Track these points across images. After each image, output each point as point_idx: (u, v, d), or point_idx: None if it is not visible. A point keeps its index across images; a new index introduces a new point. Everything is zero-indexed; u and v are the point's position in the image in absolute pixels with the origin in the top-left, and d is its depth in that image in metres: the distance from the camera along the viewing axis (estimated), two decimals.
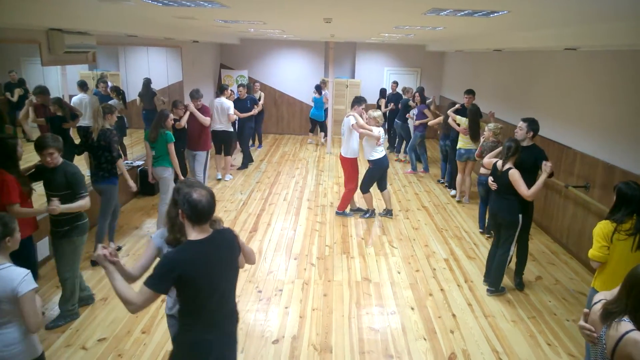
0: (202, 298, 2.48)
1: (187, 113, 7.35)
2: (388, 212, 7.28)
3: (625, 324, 2.12)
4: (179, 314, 2.62)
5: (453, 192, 8.36)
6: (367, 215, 7.25)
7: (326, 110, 11.90)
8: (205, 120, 7.52)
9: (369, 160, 6.99)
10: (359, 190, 7.21)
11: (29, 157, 5.29)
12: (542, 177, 4.61)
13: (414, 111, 9.91)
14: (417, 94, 10.02)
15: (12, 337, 2.59)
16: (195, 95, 7.50)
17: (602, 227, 3.36)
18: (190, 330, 2.54)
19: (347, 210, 7.33)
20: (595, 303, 2.36)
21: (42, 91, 5.62)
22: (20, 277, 2.54)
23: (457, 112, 7.98)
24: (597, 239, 3.37)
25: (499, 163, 4.86)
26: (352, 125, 6.75)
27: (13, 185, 3.73)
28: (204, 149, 7.62)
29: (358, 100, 6.97)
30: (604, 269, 3.38)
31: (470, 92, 8.04)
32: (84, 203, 4.06)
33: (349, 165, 7.05)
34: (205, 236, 2.47)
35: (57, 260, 4.26)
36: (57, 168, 4.03)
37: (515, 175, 4.64)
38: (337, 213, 7.31)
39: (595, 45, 4.48)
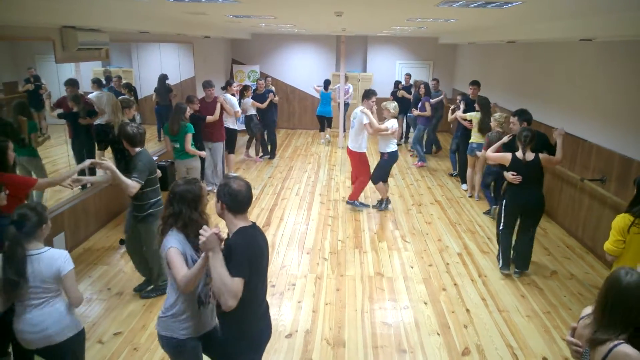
0: (259, 285, 2.54)
1: (219, 105, 7.58)
2: (382, 204, 7.28)
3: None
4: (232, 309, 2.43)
5: (464, 186, 8.31)
6: (383, 206, 7.24)
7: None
8: (230, 110, 7.89)
9: (382, 153, 6.93)
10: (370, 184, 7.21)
11: (45, 153, 5.37)
12: (559, 141, 4.91)
13: (419, 104, 9.90)
14: (422, 86, 9.96)
15: (60, 312, 2.78)
16: (207, 85, 7.69)
17: (619, 221, 3.31)
18: (248, 322, 2.55)
19: (358, 201, 7.31)
20: (583, 317, 2.27)
21: (72, 83, 5.82)
22: (62, 258, 2.76)
23: (465, 103, 7.95)
24: (612, 232, 3.32)
25: (519, 154, 4.87)
26: (365, 125, 6.71)
27: (17, 176, 3.93)
28: (219, 139, 7.83)
29: (367, 94, 6.86)
30: (620, 262, 3.32)
31: (475, 84, 8.01)
32: (130, 182, 4.12)
33: (358, 159, 7.02)
34: (251, 223, 2.54)
35: (144, 243, 4.55)
36: (134, 156, 4.29)
37: (546, 156, 4.87)
38: (347, 202, 7.30)
39: (611, 35, 4.40)
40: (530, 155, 4.83)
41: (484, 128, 7.28)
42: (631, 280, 2.01)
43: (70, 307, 2.85)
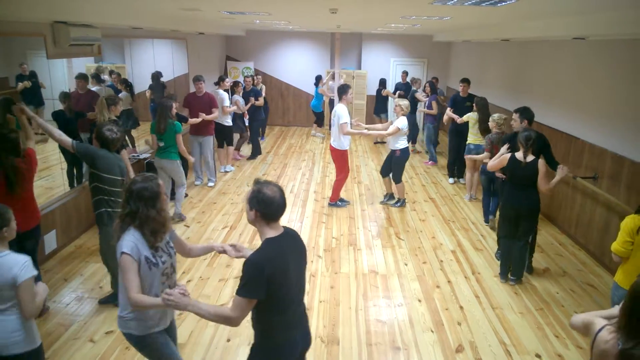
0: (290, 296, 2.42)
1: (200, 120, 7.49)
2: (391, 198, 7.40)
3: None
4: (259, 318, 2.41)
5: (452, 180, 8.43)
6: (398, 204, 7.30)
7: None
8: (215, 116, 7.78)
9: (393, 150, 6.95)
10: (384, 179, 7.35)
11: (40, 150, 5.32)
12: (557, 178, 4.71)
13: (427, 102, 9.88)
14: (427, 85, 9.98)
15: (14, 324, 2.61)
16: (197, 79, 7.66)
17: (628, 222, 3.23)
18: (278, 332, 2.44)
19: (339, 202, 7.33)
20: (600, 330, 2.07)
21: (84, 77, 5.85)
22: (20, 264, 2.58)
23: (455, 100, 8.05)
24: (621, 233, 3.25)
25: (519, 155, 4.74)
26: (341, 125, 6.70)
27: (30, 149, 4.04)
28: (210, 133, 7.85)
29: (344, 90, 6.76)
30: (627, 262, 3.27)
31: (465, 81, 8.10)
32: (65, 138, 4.06)
33: (339, 156, 7.03)
34: (281, 232, 2.43)
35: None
36: None
37: (544, 167, 4.66)
38: (329, 204, 7.29)
39: (604, 34, 4.40)
40: (530, 157, 4.69)
41: (482, 129, 7.06)
42: None
43: (27, 321, 2.66)
